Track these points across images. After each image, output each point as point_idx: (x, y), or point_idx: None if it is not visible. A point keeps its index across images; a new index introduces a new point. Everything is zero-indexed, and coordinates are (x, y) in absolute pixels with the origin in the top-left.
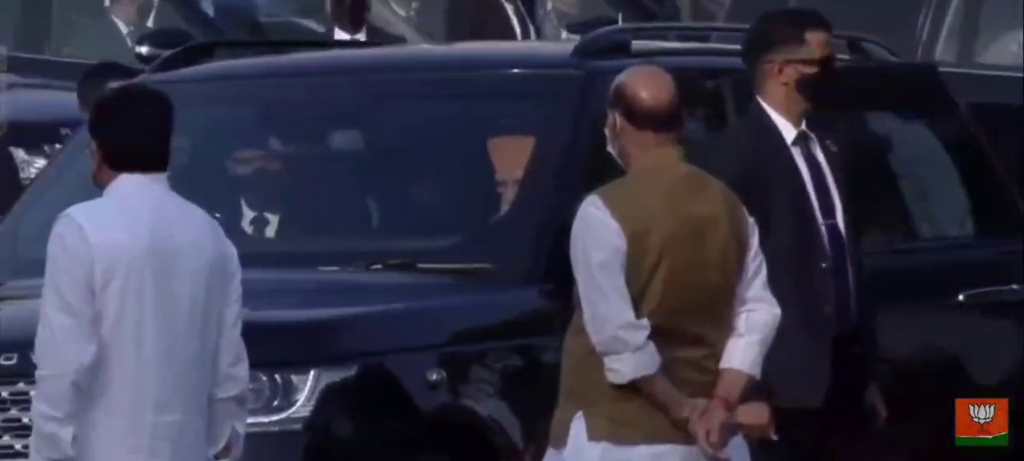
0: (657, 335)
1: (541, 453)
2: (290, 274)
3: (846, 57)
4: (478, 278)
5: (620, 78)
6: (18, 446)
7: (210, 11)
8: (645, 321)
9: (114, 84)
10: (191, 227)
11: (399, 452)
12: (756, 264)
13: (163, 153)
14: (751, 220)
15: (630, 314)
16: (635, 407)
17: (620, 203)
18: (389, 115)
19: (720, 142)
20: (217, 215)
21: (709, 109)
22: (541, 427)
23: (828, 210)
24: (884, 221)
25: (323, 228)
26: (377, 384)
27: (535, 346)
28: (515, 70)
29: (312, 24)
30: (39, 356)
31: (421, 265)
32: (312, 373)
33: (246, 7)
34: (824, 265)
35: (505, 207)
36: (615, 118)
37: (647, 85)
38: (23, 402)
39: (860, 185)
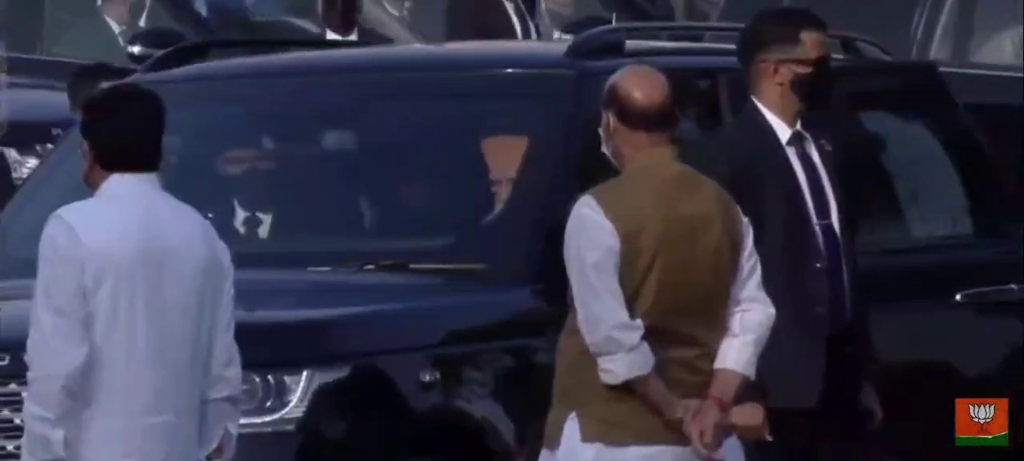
0: (650, 335)
1: (535, 454)
2: (283, 274)
3: (840, 57)
4: (471, 279)
5: (614, 78)
6: (10, 447)
7: (202, 11)
8: (639, 322)
9: (105, 84)
10: (183, 228)
11: (392, 453)
12: (750, 264)
13: (155, 153)
14: (745, 220)
15: (624, 314)
16: (629, 408)
17: (614, 203)
18: (382, 115)
19: (714, 142)
20: (209, 215)
21: (703, 109)
22: (534, 428)
23: (823, 210)
24: (883, 221)
25: (316, 228)
26: (370, 385)
27: (528, 347)
28: (508, 70)
29: (305, 24)
30: (30, 358)
31: (414, 265)
32: (305, 374)
33: (238, 7)
34: (818, 265)
35: (500, 207)
36: (609, 118)
37: (640, 85)
38: (15, 403)
39: (858, 185)
